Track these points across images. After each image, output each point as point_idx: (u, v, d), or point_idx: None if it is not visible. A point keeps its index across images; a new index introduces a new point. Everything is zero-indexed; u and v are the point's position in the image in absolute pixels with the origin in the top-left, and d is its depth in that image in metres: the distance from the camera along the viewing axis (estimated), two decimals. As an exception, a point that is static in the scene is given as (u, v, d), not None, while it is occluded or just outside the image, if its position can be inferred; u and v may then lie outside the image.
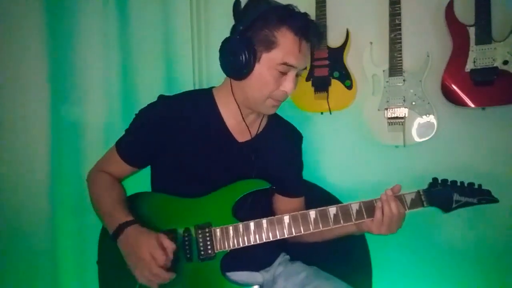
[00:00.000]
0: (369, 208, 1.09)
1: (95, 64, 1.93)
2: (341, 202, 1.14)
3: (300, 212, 1.10)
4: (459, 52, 1.61)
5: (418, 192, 1.11)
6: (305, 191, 1.34)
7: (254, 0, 1.07)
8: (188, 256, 1.09)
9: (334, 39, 1.85)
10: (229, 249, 1.09)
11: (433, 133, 1.68)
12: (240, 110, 1.17)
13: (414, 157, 1.76)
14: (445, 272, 1.74)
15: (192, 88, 1.95)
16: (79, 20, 1.92)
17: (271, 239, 1.09)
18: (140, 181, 1.27)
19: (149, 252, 0.98)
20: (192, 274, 1.09)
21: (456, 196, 1.11)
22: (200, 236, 1.09)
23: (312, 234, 1.09)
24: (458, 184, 1.12)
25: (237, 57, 1.04)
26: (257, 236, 1.09)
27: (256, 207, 1.17)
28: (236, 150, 1.20)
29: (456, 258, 1.73)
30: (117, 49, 1.96)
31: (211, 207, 1.13)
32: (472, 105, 1.61)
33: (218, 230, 1.10)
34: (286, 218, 1.09)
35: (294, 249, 1.32)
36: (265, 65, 1.05)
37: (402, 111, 1.71)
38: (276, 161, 1.24)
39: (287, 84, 1.08)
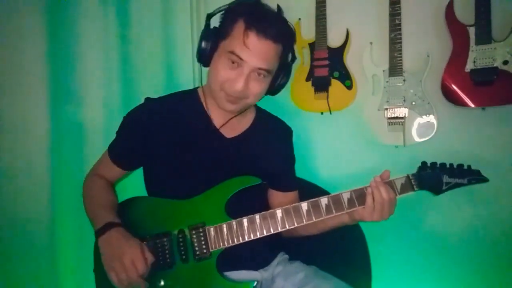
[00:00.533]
0: (360, 196, 1.10)
1: (95, 65, 1.94)
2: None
3: (292, 205, 1.10)
4: (459, 52, 1.61)
5: (408, 176, 1.12)
6: (300, 187, 1.34)
7: None
8: (184, 257, 1.09)
9: (334, 39, 1.85)
10: (224, 247, 1.09)
11: (433, 133, 1.68)
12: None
13: (414, 157, 1.75)
14: (445, 272, 1.73)
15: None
16: (79, 21, 1.92)
17: (265, 234, 1.09)
18: (137, 186, 1.28)
19: (131, 259, 0.99)
20: (189, 275, 1.09)
21: (445, 178, 1.11)
22: (195, 236, 1.09)
23: (306, 226, 1.10)
24: (448, 166, 1.13)
25: (200, 44, 1.10)
26: (251, 232, 1.09)
27: (250, 204, 1.16)
28: (224, 147, 1.20)
29: (456, 258, 1.73)
30: (117, 50, 1.96)
31: (204, 206, 1.13)
32: (472, 105, 1.61)
33: (212, 229, 1.10)
34: (279, 212, 1.10)
35: (293, 249, 1.32)
36: (219, 53, 1.09)
37: (402, 111, 1.71)
38: (266, 156, 1.24)
39: (235, 80, 1.06)
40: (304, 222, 1.09)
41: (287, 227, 1.09)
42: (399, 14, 1.67)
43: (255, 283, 1.20)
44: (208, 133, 1.19)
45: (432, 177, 1.12)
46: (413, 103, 1.70)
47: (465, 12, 1.61)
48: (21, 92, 1.85)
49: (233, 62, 1.05)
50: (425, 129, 1.69)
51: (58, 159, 1.89)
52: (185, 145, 1.18)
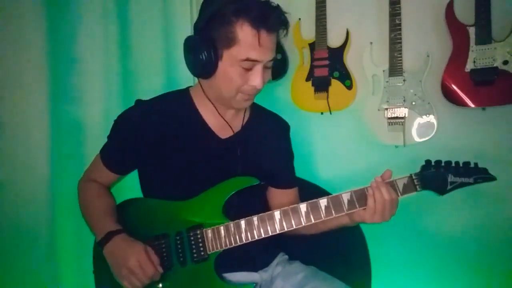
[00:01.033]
0: (360, 197, 1.06)
1: (95, 64, 1.93)
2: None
3: (290, 206, 1.08)
4: (459, 52, 1.61)
5: (410, 176, 1.08)
6: (299, 187, 1.32)
7: None
8: (182, 259, 1.08)
9: (334, 39, 1.85)
10: (222, 249, 1.08)
11: (433, 133, 1.68)
12: (215, 107, 1.15)
13: (414, 157, 1.75)
14: (446, 272, 1.73)
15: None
16: (79, 20, 1.92)
17: (264, 236, 1.07)
18: (133, 187, 1.27)
19: (138, 263, 0.99)
20: (187, 277, 1.08)
21: (451, 177, 1.06)
22: (192, 238, 1.08)
23: (305, 226, 1.08)
24: (453, 164, 1.07)
25: (198, 57, 1.01)
26: (248, 234, 1.07)
27: (248, 205, 1.14)
28: (219, 147, 1.18)
29: (456, 259, 1.73)
30: (117, 49, 1.96)
31: (201, 208, 1.12)
32: (472, 105, 1.61)
33: (209, 231, 1.09)
34: (277, 214, 1.08)
35: (292, 249, 1.31)
36: (228, 63, 1.02)
37: (402, 111, 1.71)
38: (263, 154, 1.22)
39: (255, 79, 1.03)
40: (303, 224, 1.07)
41: (286, 229, 1.07)
42: (399, 14, 1.67)
43: (254, 285, 1.19)
44: (202, 135, 1.17)
45: (436, 177, 1.06)
46: (413, 103, 1.70)
47: (465, 12, 1.61)
48: (21, 92, 1.84)
49: (247, 67, 1.02)
50: (425, 129, 1.69)
51: (58, 159, 1.89)
52: (179, 147, 1.15)
